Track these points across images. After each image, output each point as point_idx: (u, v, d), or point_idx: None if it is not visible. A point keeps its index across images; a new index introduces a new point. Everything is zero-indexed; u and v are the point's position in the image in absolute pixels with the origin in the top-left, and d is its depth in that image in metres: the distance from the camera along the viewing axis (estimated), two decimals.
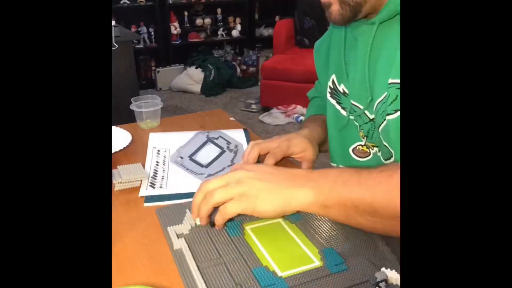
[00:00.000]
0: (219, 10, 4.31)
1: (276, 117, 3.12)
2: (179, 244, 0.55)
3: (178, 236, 0.57)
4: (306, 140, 0.77)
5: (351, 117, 0.75)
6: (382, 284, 0.48)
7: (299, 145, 0.76)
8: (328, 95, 0.79)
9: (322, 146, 0.84)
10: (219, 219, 0.56)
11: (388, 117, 0.64)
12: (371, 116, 0.70)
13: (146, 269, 0.53)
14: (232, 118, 1.06)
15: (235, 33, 4.41)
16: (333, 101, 0.79)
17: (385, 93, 0.64)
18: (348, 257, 0.53)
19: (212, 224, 0.59)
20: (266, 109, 3.32)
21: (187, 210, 0.62)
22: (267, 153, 0.73)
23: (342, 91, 0.76)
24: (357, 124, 0.75)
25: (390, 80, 0.62)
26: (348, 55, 0.74)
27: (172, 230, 0.58)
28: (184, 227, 0.59)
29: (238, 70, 4.19)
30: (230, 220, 0.60)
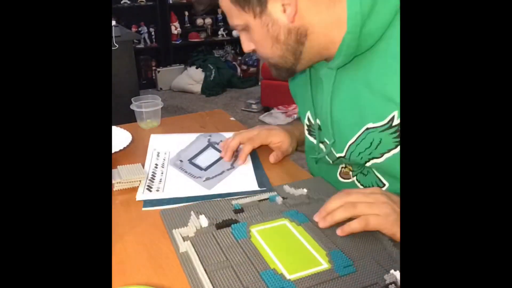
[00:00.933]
0: (219, 10, 4.30)
1: (276, 117, 3.12)
2: (185, 247, 0.55)
3: (184, 239, 0.56)
4: (286, 133, 0.81)
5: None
6: (392, 287, 0.47)
7: (279, 135, 0.81)
8: (306, 133, 0.78)
9: (301, 145, 0.85)
10: (357, 227, 0.55)
11: (375, 161, 0.64)
12: (338, 155, 0.69)
13: (146, 269, 0.53)
14: (232, 118, 1.06)
15: (235, 33, 4.40)
16: (311, 138, 0.77)
17: (357, 135, 0.64)
18: (356, 259, 0.52)
19: (218, 226, 0.59)
20: (266, 109, 3.32)
21: (192, 212, 0.62)
22: None
23: (318, 125, 0.73)
24: (328, 159, 0.74)
25: (369, 125, 0.62)
26: (315, 93, 0.72)
27: (177, 232, 0.57)
28: (190, 230, 0.58)
29: (239, 70, 4.20)
30: (236, 222, 0.59)
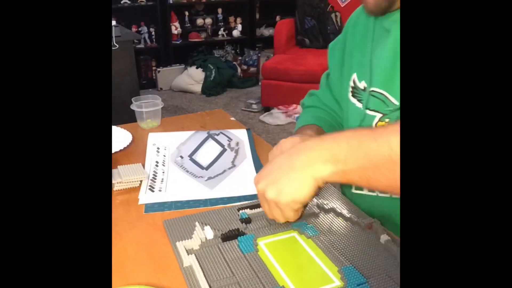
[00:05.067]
0: (219, 10, 4.30)
1: (276, 117, 3.12)
2: (189, 261, 0.52)
3: (188, 252, 0.54)
4: None
5: (369, 111, 0.71)
6: None
7: None
8: (350, 94, 0.77)
9: None
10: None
11: None
12: (397, 103, 0.66)
13: (146, 269, 0.53)
14: (232, 118, 1.06)
15: (235, 33, 4.40)
16: (354, 100, 0.76)
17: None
18: (369, 276, 0.49)
19: (224, 238, 0.57)
20: (266, 109, 3.31)
21: (196, 223, 0.59)
22: None
23: (362, 87, 0.73)
24: (378, 114, 0.70)
25: None
26: (374, 48, 0.71)
27: (181, 245, 0.55)
28: (194, 242, 0.56)
29: (239, 70, 4.19)
30: (243, 234, 0.57)
